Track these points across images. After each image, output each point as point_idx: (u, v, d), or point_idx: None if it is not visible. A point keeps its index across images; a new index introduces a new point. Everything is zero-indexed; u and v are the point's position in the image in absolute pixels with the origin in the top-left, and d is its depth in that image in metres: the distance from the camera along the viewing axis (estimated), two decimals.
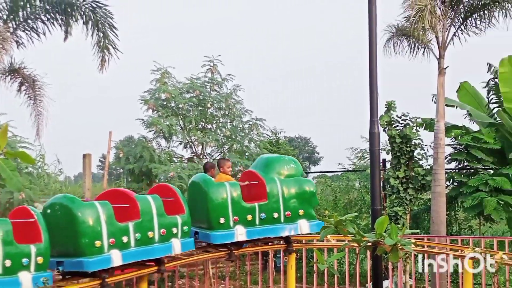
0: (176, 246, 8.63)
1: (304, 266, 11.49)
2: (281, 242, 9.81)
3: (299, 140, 59.72)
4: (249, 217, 9.23)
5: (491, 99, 17.52)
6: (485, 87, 17.74)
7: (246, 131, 15.33)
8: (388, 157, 15.90)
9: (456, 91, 18.28)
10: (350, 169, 20.40)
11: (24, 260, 7.23)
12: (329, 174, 22.56)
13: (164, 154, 14.27)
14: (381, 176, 15.38)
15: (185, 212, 8.77)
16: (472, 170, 15.79)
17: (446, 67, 12.28)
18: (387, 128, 15.23)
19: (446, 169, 14.51)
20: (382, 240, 5.81)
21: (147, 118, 14.33)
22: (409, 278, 14.10)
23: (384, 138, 16.33)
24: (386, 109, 15.33)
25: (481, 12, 13.03)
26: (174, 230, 8.60)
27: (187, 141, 14.88)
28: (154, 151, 13.98)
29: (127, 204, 8.49)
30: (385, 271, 14.66)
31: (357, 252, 12.04)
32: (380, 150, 16.37)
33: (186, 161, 14.77)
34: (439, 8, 12.51)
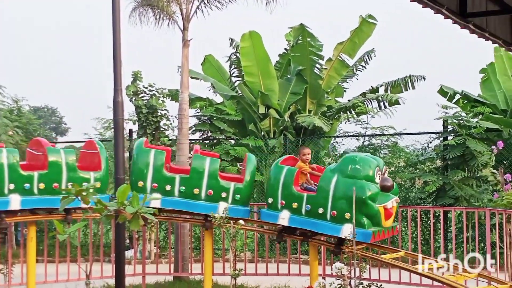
0: None
1: (46, 239, 11.12)
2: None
3: (46, 109, 57.28)
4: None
5: (233, 72, 18.34)
6: (227, 61, 18.51)
7: None
8: (135, 127, 15.91)
9: (201, 64, 18.86)
10: (97, 139, 20.06)
11: (84, 184, 7.97)
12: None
13: None
14: (129, 146, 15.38)
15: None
16: (215, 141, 16.43)
17: (190, 40, 12.52)
18: (134, 98, 15.20)
19: (190, 139, 14.88)
20: (123, 209, 5.79)
21: None
22: (154, 246, 14.38)
23: (131, 108, 16.31)
24: (132, 79, 15.27)
25: None
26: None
27: None
28: None
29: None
30: (130, 241, 14.76)
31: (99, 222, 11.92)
32: (127, 120, 16.46)
33: None
34: None
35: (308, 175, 9.29)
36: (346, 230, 8.37)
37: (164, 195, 9.50)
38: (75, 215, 9.69)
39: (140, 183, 9.46)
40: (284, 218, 9.00)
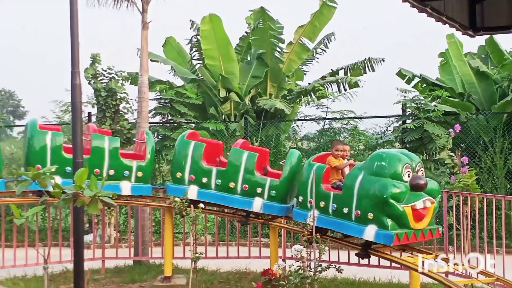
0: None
1: (3, 223, 10.94)
2: None
3: (3, 93, 56.31)
4: None
5: (194, 55, 18.21)
6: (188, 43, 18.37)
7: None
8: (94, 111, 15.74)
9: (162, 46, 18.69)
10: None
11: (126, 172, 9.68)
12: None
13: None
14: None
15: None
16: (175, 124, 16.33)
17: (149, 22, 12.37)
18: (93, 81, 15.01)
19: (150, 123, 14.79)
20: (82, 192, 5.74)
21: None
22: (113, 230, 14.28)
23: (90, 91, 16.10)
24: (91, 61, 15.07)
25: None
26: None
27: None
28: None
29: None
30: (90, 226, 14.63)
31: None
32: (86, 103, 16.27)
33: None
34: None
35: (346, 170, 8.71)
36: (370, 232, 7.83)
37: (201, 187, 9.62)
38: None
39: (179, 174, 9.71)
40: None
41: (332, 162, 8.74)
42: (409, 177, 7.80)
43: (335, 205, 8.28)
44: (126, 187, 9.72)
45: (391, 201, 7.64)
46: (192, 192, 9.55)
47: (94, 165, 9.26)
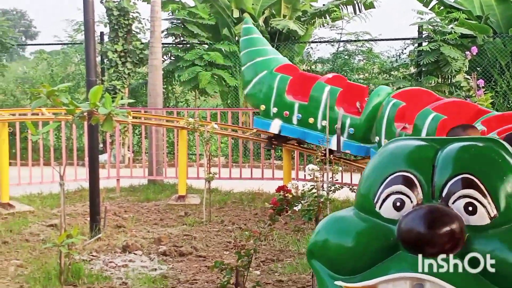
0: None
1: (18, 142, 10.98)
2: None
3: (14, 13, 55.78)
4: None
5: None
6: None
7: None
8: (106, 30, 15.61)
9: None
10: (67, 41, 19.64)
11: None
12: (47, 48, 21.43)
13: None
14: (100, 49, 15.10)
15: None
16: (188, 45, 16.19)
17: None
18: (104, 0, 14.81)
19: (163, 43, 14.65)
20: (96, 110, 5.73)
21: None
22: (128, 151, 14.38)
23: (101, 10, 15.90)
24: None
25: None
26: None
27: None
28: None
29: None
30: (104, 146, 14.73)
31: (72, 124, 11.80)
32: (98, 23, 16.10)
33: None
34: None
35: None
36: None
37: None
38: None
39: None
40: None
41: None
42: (398, 209, 2.74)
43: None
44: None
45: (313, 263, 3.01)
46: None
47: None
